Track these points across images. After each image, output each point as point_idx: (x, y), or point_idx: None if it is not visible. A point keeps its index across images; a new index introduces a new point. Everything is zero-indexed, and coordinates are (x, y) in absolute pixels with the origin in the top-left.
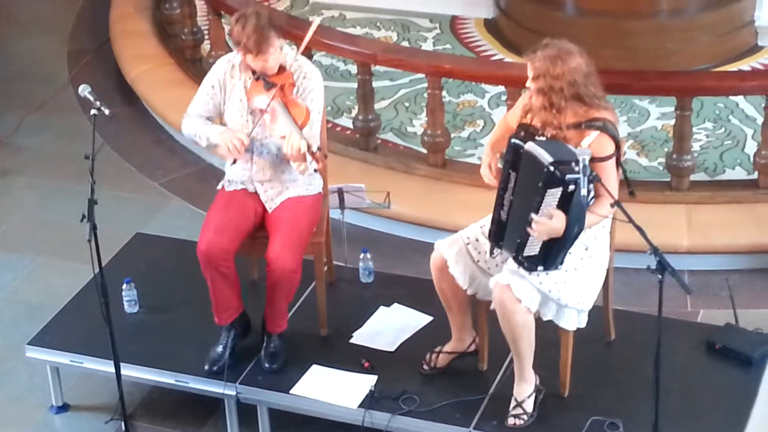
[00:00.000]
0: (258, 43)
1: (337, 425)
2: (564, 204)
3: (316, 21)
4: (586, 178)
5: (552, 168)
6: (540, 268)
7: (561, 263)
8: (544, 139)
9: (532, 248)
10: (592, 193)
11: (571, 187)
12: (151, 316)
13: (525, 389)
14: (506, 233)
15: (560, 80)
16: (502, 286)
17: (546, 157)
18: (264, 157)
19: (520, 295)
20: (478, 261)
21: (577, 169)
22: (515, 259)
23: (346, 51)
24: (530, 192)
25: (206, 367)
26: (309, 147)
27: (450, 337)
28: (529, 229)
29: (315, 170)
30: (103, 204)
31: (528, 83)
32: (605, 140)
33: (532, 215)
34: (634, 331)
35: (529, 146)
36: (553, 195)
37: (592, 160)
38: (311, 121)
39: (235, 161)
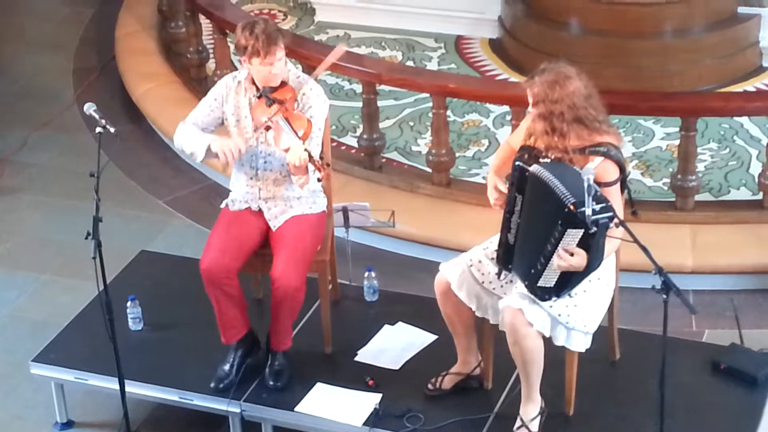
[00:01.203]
0: (267, 43)
1: None
2: (584, 242)
3: (341, 48)
4: (590, 198)
5: (574, 209)
6: (554, 298)
7: (572, 290)
8: (548, 161)
9: (548, 281)
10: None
11: (594, 229)
12: (155, 334)
13: (531, 410)
14: (515, 257)
15: (560, 105)
16: (513, 310)
17: (566, 195)
18: (268, 174)
19: (532, 320)
20: (483, 282)
21: (598, 207)
22: (528, 286)
23: (351, 70)
24: (542, 220)
25: (213, 385)
26: (310, 155)
27: (455, 357)
28: (555, 263)
29: (318, 180)
30: (108, 221)
31: (529, 108)
32: (609, 165)
33: (557, 253)
34: (638, 350)
35: (536, 169)
36: (574, 235)
37: (598, 185)
38: (312, 134)
39: (226, 164)
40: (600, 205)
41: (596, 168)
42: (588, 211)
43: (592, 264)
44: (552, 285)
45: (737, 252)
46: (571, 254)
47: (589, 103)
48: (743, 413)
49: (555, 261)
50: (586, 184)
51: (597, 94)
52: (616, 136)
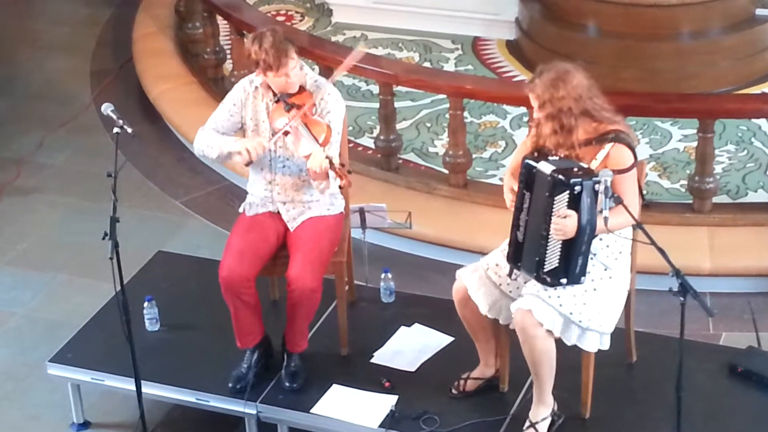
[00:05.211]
0: (277, 57)
1: None
2: (574, 206)
3: (359, 50)
4: (607, 200)
5: (555, 175)
6: (563, 280)
7: (583, 275)
8: (557, 158)
9: (552, 261)
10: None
11: (577, 189)
12: (172, 334)
13: (541, 411)
14: (524, 254)
15: (566, 100)
16: (523, 311)
17: (548, 168)
18: (286, 178)
19: (542, 319)
20: (500, 285)
21: (579, 172)
22: (537, 278)
23: (368, 71)
24: (543, 208)
25: (230, 385)
26: (331, 162)
27: (471, 359)
28: (551, 232)
29: (340, 187)
30: (125, 222)
31: (535, 113)
32: (621, 150)
33: (552, 224)
34: (655, 353)
35: (542, 166)
36: (561, 200)
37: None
38: (332, 140)
39: (249, 163)
40: (601, 187)
41: (607, 155)
42: (570, 173)
43: (584, 229)
44: (556, 264)
45: (755, 254)
46: (565, 218)
47: (593, 93)
48: (761, 416)
49: (552, 232)
50: (603, 186)
51: (597, 85)
52: (623, 125)
